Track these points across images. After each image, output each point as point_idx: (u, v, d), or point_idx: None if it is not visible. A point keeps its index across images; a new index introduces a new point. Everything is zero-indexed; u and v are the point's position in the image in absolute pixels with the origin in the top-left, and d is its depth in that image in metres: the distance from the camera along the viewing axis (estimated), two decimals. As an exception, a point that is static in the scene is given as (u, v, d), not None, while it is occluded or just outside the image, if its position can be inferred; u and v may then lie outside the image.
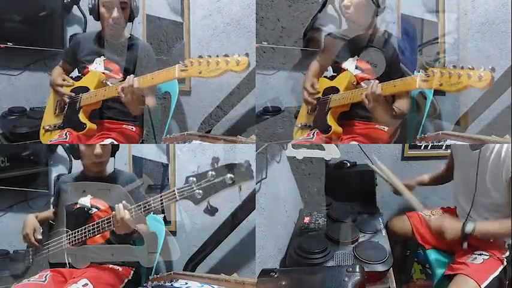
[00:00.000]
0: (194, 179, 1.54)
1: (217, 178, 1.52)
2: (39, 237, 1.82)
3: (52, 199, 1.94)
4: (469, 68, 1.53)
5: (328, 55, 1.96)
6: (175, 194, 1.56)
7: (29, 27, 2.34)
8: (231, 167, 1.53)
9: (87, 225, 1.73)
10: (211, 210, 1.57)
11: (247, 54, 1.65)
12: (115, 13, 1.88)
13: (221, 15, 2.30)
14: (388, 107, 1.79)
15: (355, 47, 1.88)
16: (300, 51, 2.35)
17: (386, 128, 1.87)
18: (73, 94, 1.93)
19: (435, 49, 2.32)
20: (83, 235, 1.73)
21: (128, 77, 1.81)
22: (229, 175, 1.52)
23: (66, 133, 1.90)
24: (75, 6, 2.41)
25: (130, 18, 1.96)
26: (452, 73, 1.55)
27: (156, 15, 2.38)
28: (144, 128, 2.04)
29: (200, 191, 1.53)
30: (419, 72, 1.78)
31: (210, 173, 1.53)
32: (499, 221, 1.78)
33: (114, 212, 1.64)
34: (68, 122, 1.93)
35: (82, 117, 1.89)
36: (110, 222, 1.67)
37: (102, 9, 1.90)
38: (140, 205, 1.62)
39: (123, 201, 1.65)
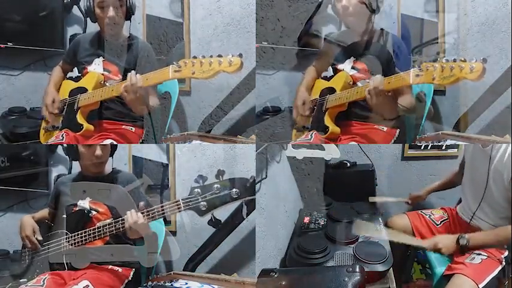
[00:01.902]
0: (199, 190, 1.56)
1: (222, 192, 1.54)
2: (40, 238, 1.82)
3: (49, 200, 1.93)
4: (461, 61, 1.53)
5: (326, 58, 1.96)
6: (180, 205, 1.57)
7: (29, 27, 2.34)
8: (236, 182, 1.55)
9: (87, 229, 1.73)
10: (215, 222, 1.59)
11: (240, 55, 1.64)
12: (110, 12, 1.87)
13: (221, 15, 2.30)
14: (393, 103, 1.77)
15: (351, 52, 1.88)
16: (299, 52, 2.35)
17: (385, 128, 1.86)
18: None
19: (435, 49, 2.32)
20: (83, 239, 1.73)
21: (130, 74, 1.78)
22: (234, 190, 1.54)
23: (63, 134, 1.90)
24: (75, 6, 2.41)
25: (128, 17, 1.94)
26: (445, 66, 1.55)
27: (156, 15, 2.38)
28: (144, 128, 2.04)
29: (205, 203, 1.55)
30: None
31: (215, 186, 1.55)
32: (492, 230, 1.83)
33: (126, 216, 1.65)
34: (66, 122, 1.93)
35: (79, 118, 1.89)
36: (112, 227, 1.68)
37: (98, 10, 1.88)
38: (144, 212, 1.63)
39: (141, 203, 1.66)
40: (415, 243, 1.92)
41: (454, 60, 1.54)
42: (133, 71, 1.80)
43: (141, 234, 1.67)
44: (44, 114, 1.98)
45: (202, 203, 1.55)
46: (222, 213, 1.68)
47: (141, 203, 1.66)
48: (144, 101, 1.84)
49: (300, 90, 1.99)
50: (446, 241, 1.82)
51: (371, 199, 2.30)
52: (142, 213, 1.64)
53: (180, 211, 1.58)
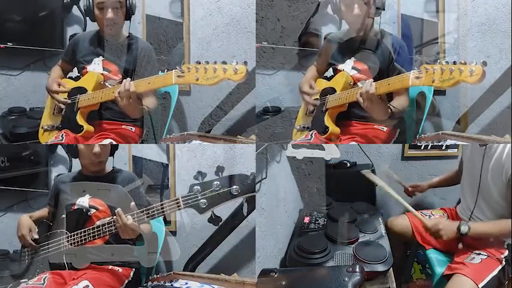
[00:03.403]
0: (199, 187, 1.54)
1: (222, 189, 1.53)
2: (36, 237, 1.81)
3: (48, 198, 1.93)
4: (461, 63, 1.53)
5: (326, 59, 1.97)
6: (179, 202, 1.56)
7: (29, 27, 2.33)
8: (236, 178, 1.54)
9: (87, 229, 1.72)
10: (216, 220, 1.57)
11: (245, 63, 1.63)
12: (109, 14, 1.87)
13: (221, 15, 2.30)
14: (383, 105, 1.79)
15: (350, 49, 1.89)
16: (299, 51, 2.35)
17: (385, 128, 1.87)
18: (69, 101, 1.91)
19: (435, 49, 2.32)
20: (83, 238, 1.73)
21: (124, 80, 1.79)
22: (235, 187, 1.53)
23: (62, 134, 1.90)
24: (75, 7, 2.41)
25: (128, 17, 1.94)
26: (445, 69, 1.55)
27: (156, 15, 2.38)
28: (144, 128, 2.03)
29: (205, 201, 1.53)
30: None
31: (215, 183, 1.53)
32: (494, 221, 1.82)
33: (115, 217, 1.64)
34: (66, 123, 1.92)
35: (79, 119, 1.89)
36: (112, 226, 1.67)
37: (97, 11, 1.89)
38: (143, 211, 1.62)
39: (131, 204, 1.65)
40: (418, 216, 1.91)
41: (454, 63, 1.55)
42: (128, 78, 1.81)
43: (133, 235, 1.66)
44: (59, 98, 1.94)
45: (202, 200, 1.54)
46: (222, 212, 1.68)
47: (132, 204, 1.65)
48: (138, 105, 1.84)
49: (303, 80, 2.00)
50: (448, 226, 1.80)
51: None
52: (132, 214, 1.63)
53: (179, 209, 1.57)
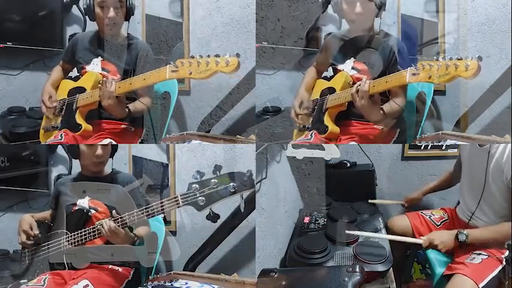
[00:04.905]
0: (197, 186, 1.57)
1: (220, 186, 1.55)
2: (36, 232, 1.81)
3: (49, 201, 1.93)
4: (457, 59, 1.54)
5: (327, 56, 1.96)
6: (178, 200, 1.58)
7: (28, 27, 2.33)
8: (233, 176, 1.56)
9: (87, 228, 1.73)
10: (214, 217, 1.59)
11: (237, 55, 1.65)
12: (111, 13, 1.88)
13: (221, 15, 2.30)
14: (376, 107, 1.78)
15: (353, 48, 1.88)
16: (300, 51, 2.35)
17: (384, 128, 1.87)
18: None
19: (435, 49, 2.32)
20: (83, 238, 1.73)
21: (106, 80, 1.82)
22: (232, 184, 1.55)
23: (61, 134, 1.90)
24: (74, 6, 2.41)
25: (127, 17, 1.95)
26: (441, 65, 1.56)
27: (156, 15, 2.38)
28: (144, 128, 2.04)
29: (203, 198, 1.56)
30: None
31: (212, 181, 1.56)
32: (492, 226, 1.82)
33: (102, 224, 1.66)
34: (65, 122, 1.93)
35: (78, 118, 1.89)
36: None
37: (98, 10, 1.89)
38: (143, 210, 1.64)
39: (113, 212, 1.68)
40: (411, 241, 1.91)
41: (450, 59, 1.55)
42: (111, 79, 1.83)
43: (119, 240, 1.68)
44: (44, 111, 1.98)
45: (200, 198, 1.56)
46: (222, 212, 1.68)
47: (113, 212, 1.68)
48: (119, 106, 1.86)
49: (300, 90, 2.00)
50: (443, 237, 1.81)
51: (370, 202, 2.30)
52: (115, 220, 1.65)
53: (178, 207, 1.59)
